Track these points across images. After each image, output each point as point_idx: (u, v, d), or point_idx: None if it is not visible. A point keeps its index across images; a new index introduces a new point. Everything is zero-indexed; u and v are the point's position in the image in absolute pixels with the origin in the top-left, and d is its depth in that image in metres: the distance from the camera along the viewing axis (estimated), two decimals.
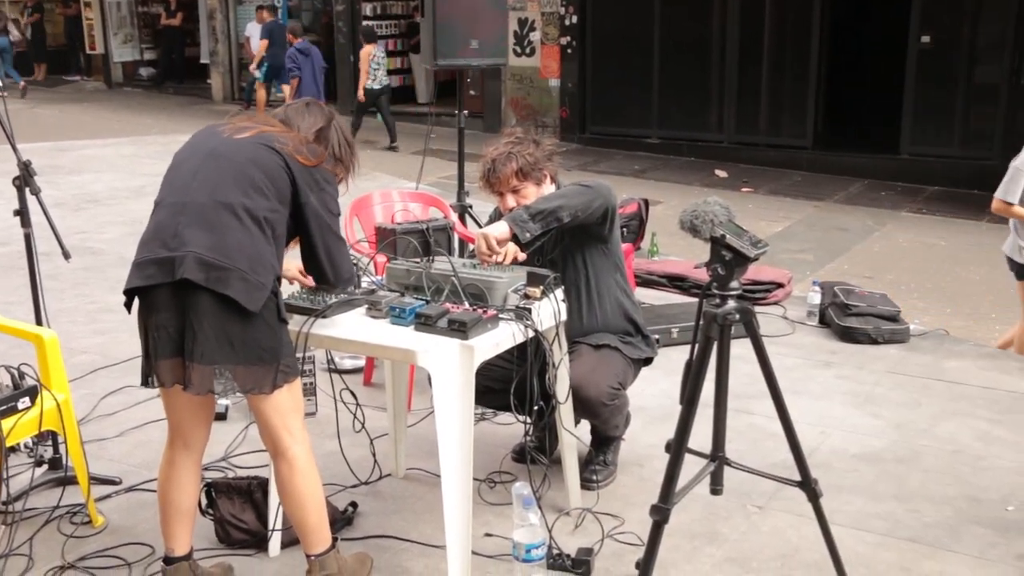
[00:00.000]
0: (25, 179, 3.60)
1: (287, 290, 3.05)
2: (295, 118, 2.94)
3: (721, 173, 11.84)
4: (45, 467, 3.83)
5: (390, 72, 16.71)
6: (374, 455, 3.77)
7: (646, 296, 6.28)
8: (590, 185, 3.46)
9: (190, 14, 19.91)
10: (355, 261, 3.31)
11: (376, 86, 13.27)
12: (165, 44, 20.16)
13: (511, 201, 3.59)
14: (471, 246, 3.61)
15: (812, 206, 10.22)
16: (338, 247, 2.91)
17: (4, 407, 3.15)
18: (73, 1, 21.20)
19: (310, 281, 3.09)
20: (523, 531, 3.12)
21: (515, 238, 3.24)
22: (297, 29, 13.74)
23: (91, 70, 21.68)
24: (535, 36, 13.92)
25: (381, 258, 3.66)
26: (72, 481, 3.63)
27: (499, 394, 3.54)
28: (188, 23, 19.97)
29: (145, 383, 2.80)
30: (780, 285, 6.44)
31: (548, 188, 3.65)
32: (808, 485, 2.86)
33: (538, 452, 3.89)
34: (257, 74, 15.52)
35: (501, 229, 3.23)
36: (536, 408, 3.35)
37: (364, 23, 15.56)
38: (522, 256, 3.35)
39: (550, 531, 3.29)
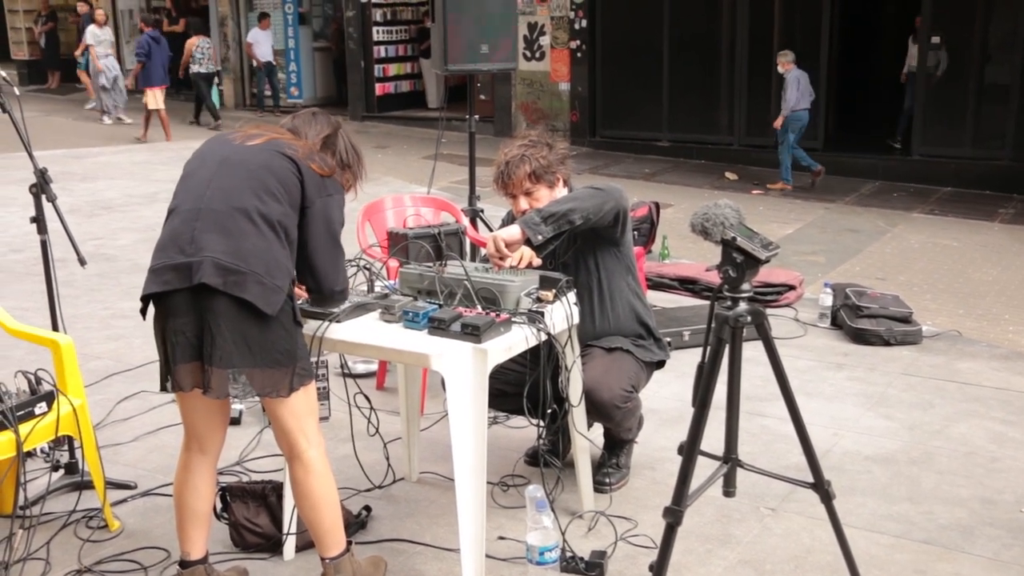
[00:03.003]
0: (41, 186, 3.63)
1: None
2: (303, 127, 2.97)
3: (731, 176, 11.83)
4: (61, 472, 3.86)
5: (400, 77, 16.89)
6: (387, 459, 3.79)
7: (657, 299, 6.29)
8: (602, 188, 3.47)
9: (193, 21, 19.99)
10: (365, 264, 3.32)
11: (203, 70, 15.60)
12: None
13: (523, 203, 3.60)
14: (483, 250, 3.62)
15: (823, 208, 10.20)
16: (332, 255, 2.88)
17: (22, 412, 3.17)
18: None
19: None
20: (536, 534, 3.13)
21: (528, 241, 3.26)
22: (148, 19, 16.12)
23: None
24: (545, 40, 13.94)
25: (394, 263, 3.68)
26: (88, 486, 3.65)
27: (512, 397, 3.55)
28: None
29: (163, 388, 2.82)
30: (792, 287, 6.44)
31: (561, 191, 3.65)
32: (821, 487, 2.86)
33: (551, 455, 3.90)
34: (81, 61, 17.13)
35: (512, 232, 3.24)
36: (549, 411, 3.36)
37: (193, 17, 18.26)
38: (537, 261, 3.36)
39: (563, 534, 3.30)
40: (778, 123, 10.76)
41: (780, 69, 10.73)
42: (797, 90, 10.59)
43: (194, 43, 15.61)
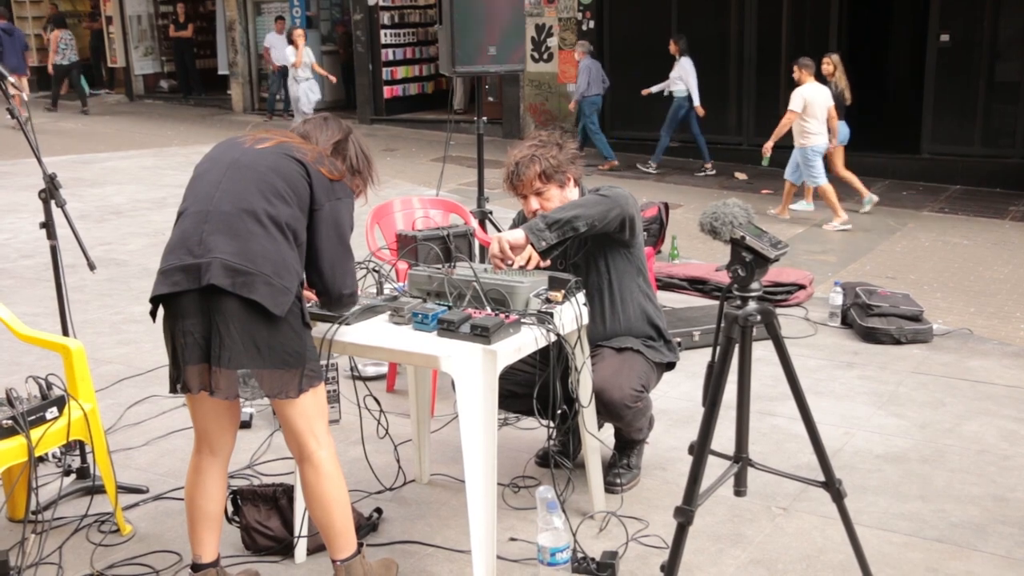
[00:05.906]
0: (51, 192, 3.64)
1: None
2: (314, 132, 2.97)
3: (741, 175, 11.81)
4: (73, 476, 3.87)
5: (408, 80, 16.93)
6: (398, 461, 3.79)
7: (667, 299, 6.28)
8: (608, 195, 3.45)
9: (201, 26, 20.06)
10: (374, 268, 3.32)
11: (64, 62, 17.70)
12: (177, 56, 20.29)
13: (534, 203, 3.59)
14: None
15: None
16: (342, 259, 2.89)
17: (33, 417, 3.18)
18: (98, 15, 21.41)
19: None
20: (547, 535, 3.13)
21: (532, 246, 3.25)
22: (2, 11, 17.51)
23: (113, 83, 21.87)
24: (552, 42, 13.94)
25: (403, 265, 3.68)
26: (100, 490, 3.67)
27: (522, 398, 3.55)
28: (201, 35, 20.11)
29: (173, 390, 2.82)
30: (802, 286, 6.43)
31: (571, 191, 3.65)
32: (832, 486, 2.86)
33: (561, 456, 3.90)
34: None
35: (516, 236, 3.24)
36: (559, 412, 3.35)
37: (56, 12, 20.03)
38: (546, 263, 3.35)
39: (574, 535, 3.30)
40: (572, 106, 12.25)
41: (576, 57, 12.09)
42: (588, 77, 11.84)
43: (58, 36, 17.47)
